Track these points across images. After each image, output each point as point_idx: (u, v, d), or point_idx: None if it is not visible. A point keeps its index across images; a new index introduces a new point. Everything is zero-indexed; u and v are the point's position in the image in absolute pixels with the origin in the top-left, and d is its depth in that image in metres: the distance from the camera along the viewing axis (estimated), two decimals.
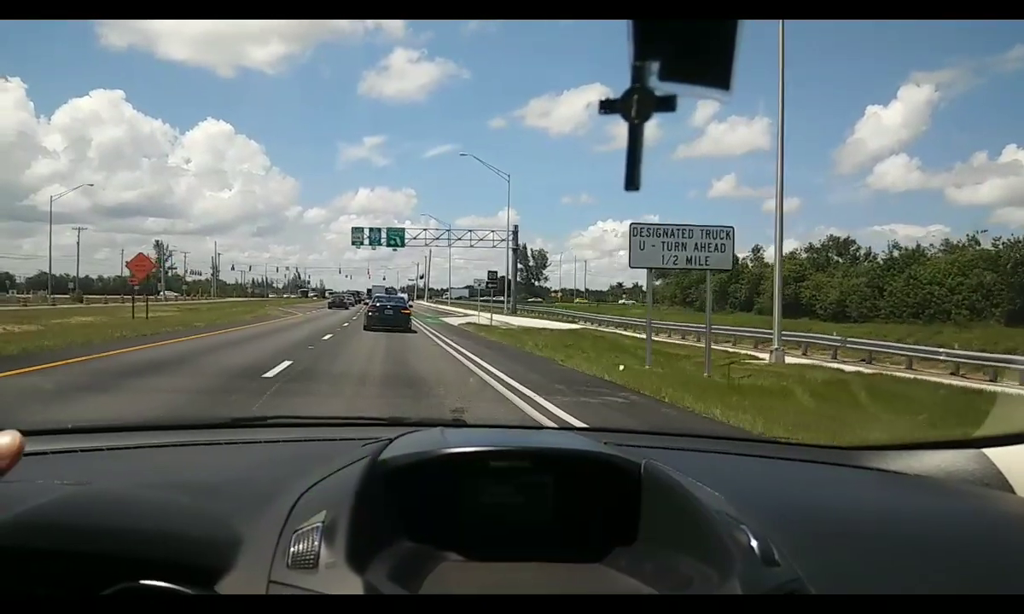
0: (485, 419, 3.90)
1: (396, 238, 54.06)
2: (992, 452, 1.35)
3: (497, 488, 1.05)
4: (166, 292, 77.92)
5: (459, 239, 55.60)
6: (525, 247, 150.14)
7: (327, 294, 68.10)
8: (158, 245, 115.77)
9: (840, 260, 60.69)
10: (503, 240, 53.40)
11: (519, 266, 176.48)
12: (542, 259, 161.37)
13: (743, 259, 70.27)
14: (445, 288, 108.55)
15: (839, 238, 62.69)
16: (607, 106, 0.72)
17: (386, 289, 57.92)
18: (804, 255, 60.95)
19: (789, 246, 68.53)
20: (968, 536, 1.04)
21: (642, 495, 1.00)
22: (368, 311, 23.79)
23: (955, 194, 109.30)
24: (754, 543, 0.83)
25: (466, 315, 40.14)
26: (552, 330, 25.87)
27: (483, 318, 32.36)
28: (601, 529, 1.01)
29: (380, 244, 54.00)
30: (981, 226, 60.19)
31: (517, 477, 1.06)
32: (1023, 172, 79.01)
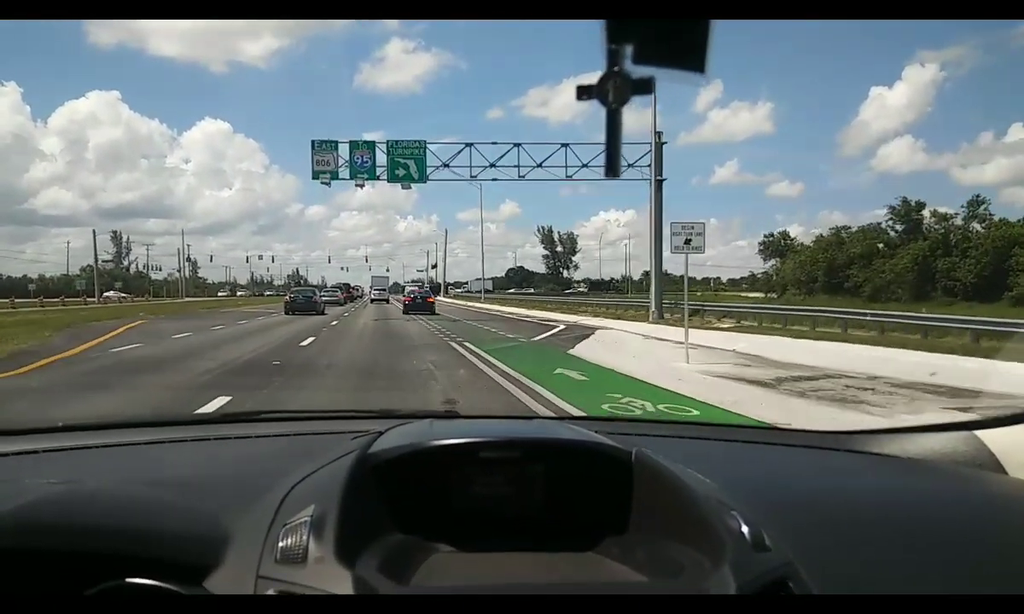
0: (477, 410, 4.09)
1: (409, 160, 27.95)
2: (985, 434, 1.44)
3: (488, 479, 1.12)
4: (108, 292, 74.95)
5: (537, 167, 29.21)
6: (551, 230, 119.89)
7: (299, 290, 42.21)
8: (115, 236, 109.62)
9: None
10: (631, 166, 26.75)
11: (544, 252, 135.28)
12: (571, 244, 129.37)
13: (953, 218, 46.82)
14: (454, 281, 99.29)
15: None
16: (584, 92, 0.75)
17: (395, 283, 52.47)
18: None
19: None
20: (962, 517, 1.14)
21: (633, 483, 1.07)
22: (405, 301, 37.16)
23: (960, 175, 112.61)
24: (745, 529, 0.90)
25: (583, 329, 21.67)
26: None
27: (670, 343, 16.78)
28: (593, 518, 1.09)
29: (370, 176, 29.66)
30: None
31: (508, 467, 1.12)
32: None
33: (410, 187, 29.09)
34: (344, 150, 27.91)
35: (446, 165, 28.42)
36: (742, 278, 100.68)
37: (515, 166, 28.27)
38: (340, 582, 0.78)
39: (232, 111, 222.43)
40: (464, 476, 1.10)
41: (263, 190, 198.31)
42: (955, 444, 1.44)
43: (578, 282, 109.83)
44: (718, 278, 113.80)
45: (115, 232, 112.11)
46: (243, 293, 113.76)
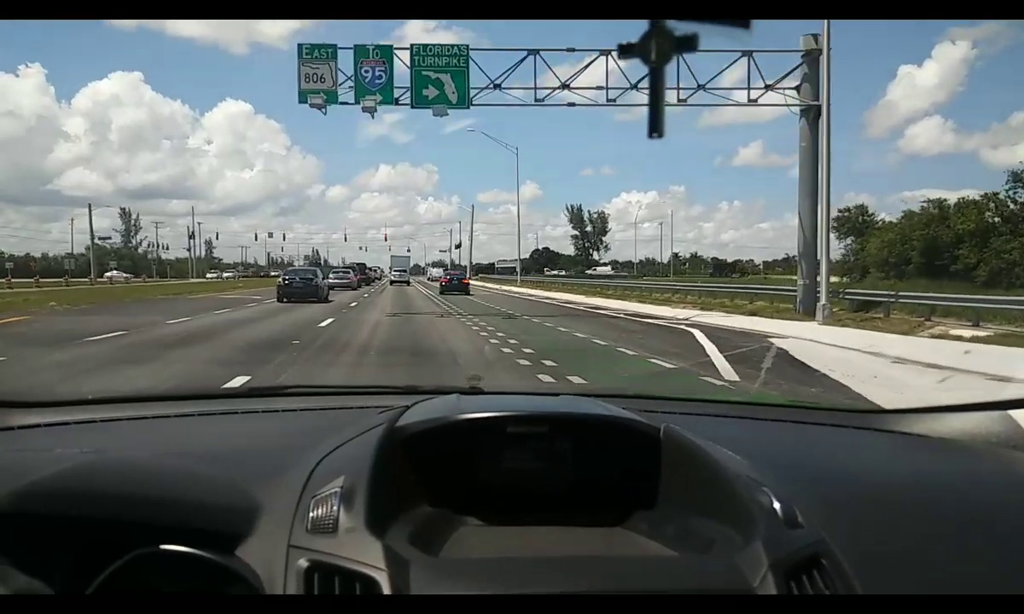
0: (503, 386, 3.97)
1: (444, 73, 17.49)
2: (1019, 414, 1.43)
3: (516, 454, 1.14)
4: (110, 273, 70.44)
5: (632, 89, 17.57)
6: (581, 208, 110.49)
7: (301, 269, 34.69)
8: (124, 213, 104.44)
9: None
10: (769, 88, 18.24)
11: (573, 233, 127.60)
12: (602, 224, 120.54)
13: None
14: (476, 263, 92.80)
15: None
16: (626, 51, 0.73)
17: (416, 265, 51.69)
18: None
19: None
20: (993, 497, 1.14)
21: (662, 459, 1.09)
22: (442, 282, 39.39)
23: (990, 156, 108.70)
24: (777, 505, 0.90)
25: (741, 338, 12.47)
26: None
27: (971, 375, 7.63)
28: (621, 493, 1.12)
29: (386, 98, 18.14)
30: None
31: (536, 442, 1.15)
32: None
33: (446, 114, 18.62)
34: (347, 61, 18.21)
35: (497, 85, 18.56)
36: (775, 261, 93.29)
37: (601, 88, 18.49)
38: (370, 552, 0.80)
39: (253, 92, 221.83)
40: (492, 450, 1.12)
41: (284, 171, 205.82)
42: (989, 424, 1.43)
43: (604, 263, 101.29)
44: (751, 260, 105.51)
45: (124, 209, 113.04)
46: (229, 274, 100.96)
